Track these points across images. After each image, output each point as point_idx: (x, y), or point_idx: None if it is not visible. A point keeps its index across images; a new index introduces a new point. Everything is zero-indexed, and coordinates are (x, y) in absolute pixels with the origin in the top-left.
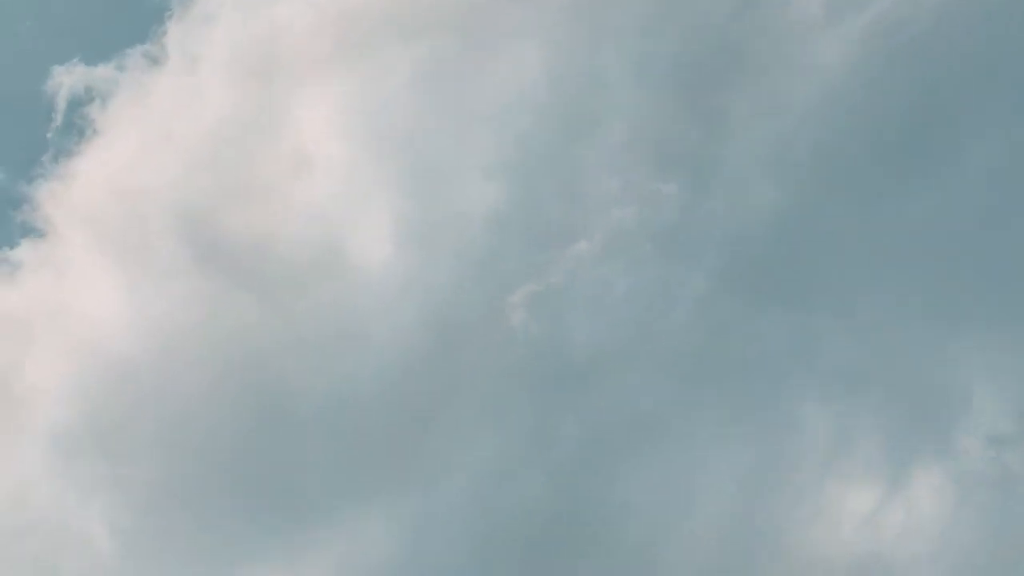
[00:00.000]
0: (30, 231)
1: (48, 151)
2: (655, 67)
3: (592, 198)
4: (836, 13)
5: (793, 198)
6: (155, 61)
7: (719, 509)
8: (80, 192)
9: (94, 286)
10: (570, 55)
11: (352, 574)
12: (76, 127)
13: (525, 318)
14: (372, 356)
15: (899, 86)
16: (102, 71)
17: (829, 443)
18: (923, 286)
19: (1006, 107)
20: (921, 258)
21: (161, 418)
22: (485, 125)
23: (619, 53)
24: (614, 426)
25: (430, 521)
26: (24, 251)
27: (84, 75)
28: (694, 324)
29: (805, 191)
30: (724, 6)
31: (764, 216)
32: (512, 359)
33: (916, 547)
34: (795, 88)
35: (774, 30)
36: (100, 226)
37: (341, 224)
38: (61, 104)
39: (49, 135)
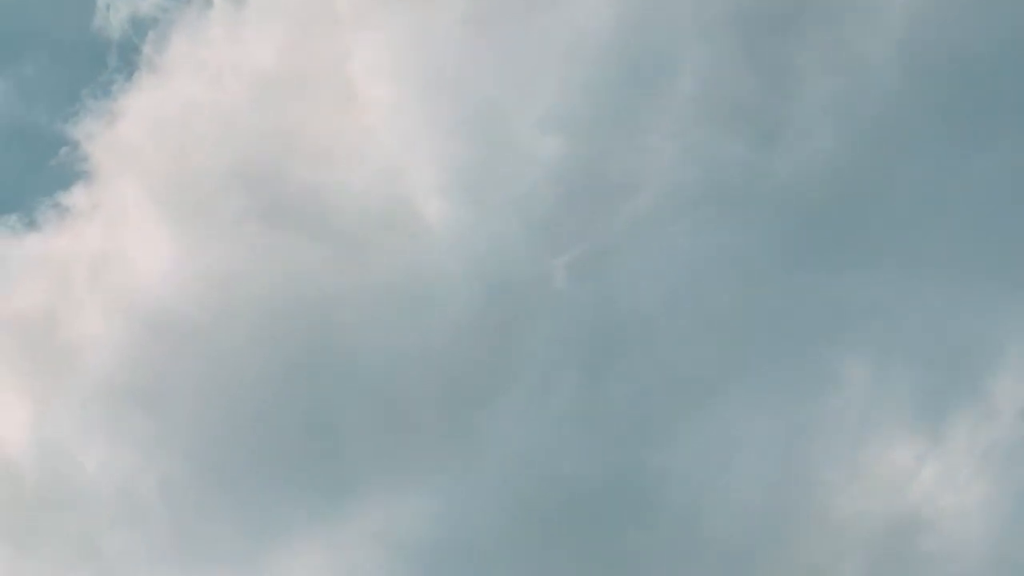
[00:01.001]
0: (77, 175)
1: (96, 91)
2: (724, 19)
3: (653, 154)
4: None
5: (859, 155)
6: None
7: (761, 471)
8: (129, 134)
9: (143, 233)
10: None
11: (395, 544)
12: (125, 66)
13: (578, 277)
14: (420, 311)
15: (972, 38)
16: (151, 7)
17: (871, 403)
18: (985, 248)
19: None
20: (985, 218)
21: (208, 373)
22: (546, 73)
23: (689, 3)
24: (664, 389)
25: (472, 489)
26: (71, 196)
27: (133, 11)
28: (750, 287)
29: (871, 148)
30: None
31: (829, 174)
32: (563, 319)
33: (953, 505)
34: (865, 41)
35: None
36: (149, 170)
37: (393, 172)
38: (109, 42)
39: (97, 75)
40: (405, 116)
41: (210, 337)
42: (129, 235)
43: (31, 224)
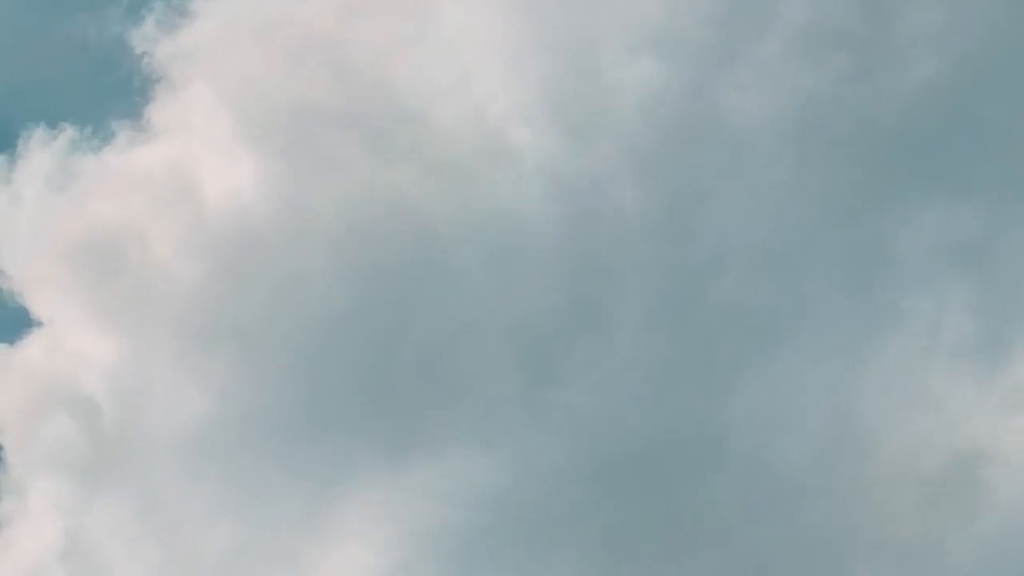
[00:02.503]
0: (153, 88)
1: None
2: None
3: (748, 85)
4: None
5: (958, 88)
6: None
7: (826, 411)
8: (208, 46)
9: (220, 149)
10: None
11: (459, 499)
12: None
13: (665, 213)
14: (504, 245)
15: None
16: None
17: (938, 339)
18: None
19: None
20: None
21: (284, 303)
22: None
23: None
24: (736, 332)
25: (539, 443)
26: (146, 109)
27: None
28: (836, 224)
29: (970, 81)
30: None
31: (927, 107)
32: (644, 258)
33: (1017, 438)
34: None
35: None
36: (228, 84)
37: (483, 100)
38: None
39: None
40: (496, 43)
41: (288, 265)
42: (206, 151)
43: (105, 139)
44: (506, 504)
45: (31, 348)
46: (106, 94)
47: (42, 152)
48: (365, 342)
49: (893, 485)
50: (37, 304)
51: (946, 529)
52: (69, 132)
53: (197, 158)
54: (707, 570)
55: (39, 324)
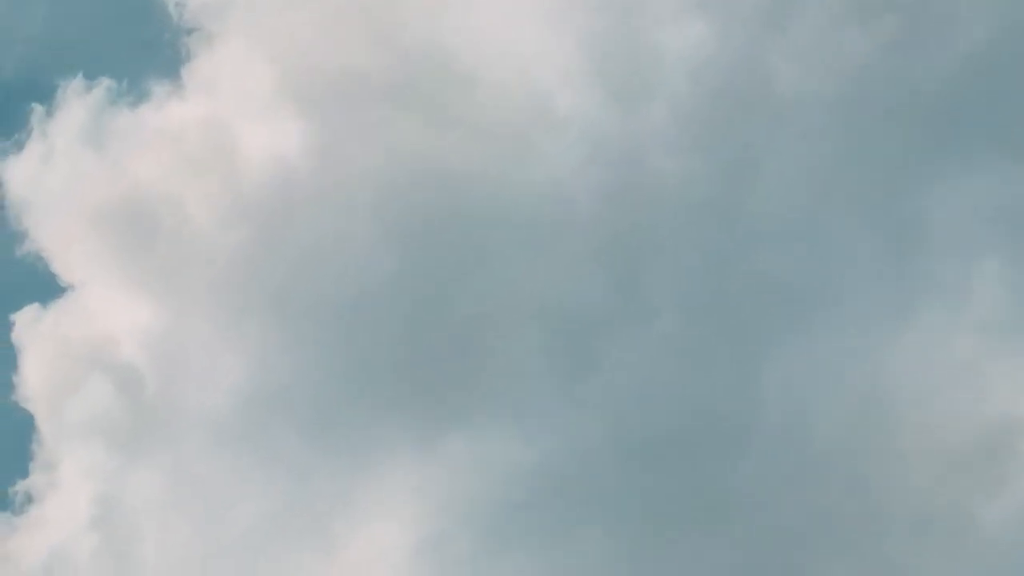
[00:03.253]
0: (192, 44)
1: None
2: None
3: (795, 51)
4: None
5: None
6: None
7: (864, 381)
8: (251, 1)
9: (263, 109)
10: None
11: (490, 473)
12: None
13: (708, 185)
14: (545, 210)
15: None
16: None
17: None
18: None
19: None
20: None
21: (326, 266)
22: None
23: None
24: (778, 299)
25: (567, 421)
26: (188, 65)
27: None
28: (877, 190)
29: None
30: None
31: (973, 73)
32: (688, 228)
33: None
34: None
35: None
36: (268, 39)
37: (528, 61)
38: None
39: None
40: (543, 6)
41: (327, 231)
42: (245, 110)
43: (142, 95)
44: (537, 479)
45: (62, 313)
46: (144, 49)
47: (79, 105)
48: (401, 313)
49: (926, 455)
50: (68, 267)
51: (977, 499)
52: (107, 85)
53: (235, 117)
54: (735, 544)
55: (70, 288)
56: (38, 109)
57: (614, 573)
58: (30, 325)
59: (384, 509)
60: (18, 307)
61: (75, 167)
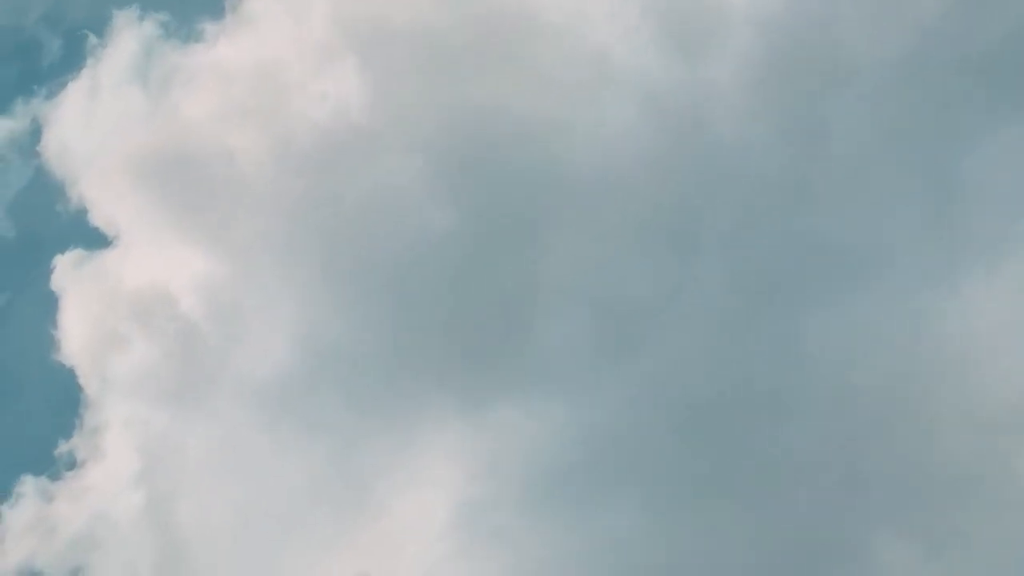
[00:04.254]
0: None
1: None
2: None
3: (858, 15)
4: None
5: None
6: None
7: (907, 348)
8: None
9: (319, 51)
10: None
11: (535, 440)
12: None
13: (764, 144)
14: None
15: None
16: None
17: None
18: None
19: None
20: None
21: (379, 220)
22: None
23: None
24: (828, 262)
25: (612, 387)
26: (240, 5)
27: None
28: (933, 151)
29: None
30: None
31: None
32: (741, 187)
33: None
34: None
35: None
36: None
37: (589, 14)
38: None
39: None
40: None
41: (381, 182)
42: (301, 52)
43: (194, 33)
44: (582, 448)
45: (105, 265)
46: None
47: (131, 38)
48: (452, 275)
49: (969, 418)
50: (112, 216)
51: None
52: (160, 19)
53: (290, 60)
54: (777, 511)
55: (114, 238)
56: (92, 38)
57: (656, 540)
58: (72, 280)
59: (429, 475)
60: (60, 261)
61: (123, 107)
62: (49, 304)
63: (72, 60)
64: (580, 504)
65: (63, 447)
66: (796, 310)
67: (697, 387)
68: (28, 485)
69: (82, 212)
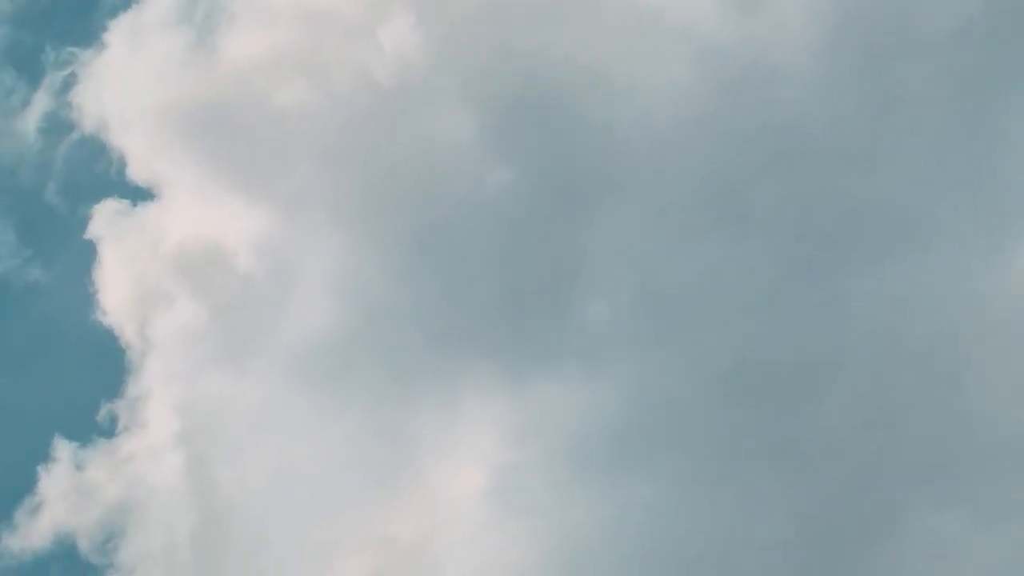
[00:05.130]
0: None
1: None
2: None
3: None
4: None
5: None
6: None
7: (953, 312)
8: None
9: None
10: None
11: (577, 412)
12: None
13: (814, 103)
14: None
15: None
16: None
17: None
18: None
19: None
20: None
21: (426, 175)
22: None
23: None
24: (875, 223)
25: (655, 357)
26: None
27: None
28: (981, 109)
29: None
30: None
31: None
32: (787, 145)
33: None
34: None
35: None
36: None
37: None
38: None
39: None
40: None
41: (430, 132)
42: None
43: None
44: (623, 421)
45: (146, 218)
46: None
47: None
48: (500, 238)
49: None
50: (154, 167)
51: None
52: None
53: (344, 7)
54: (821, 480)
55: (157, 190)
56: None
57: (695, 509)
58: (112, 235)
59: (469, 443)
60: (98, 214)
61: (166, 53)
62: (87, 260)
63: (113, 3)
64: (620, 474)
65: (102, 409)
66: (841, 277)
67: (740, 358)
68: (64, 449)
69: (122, 163)
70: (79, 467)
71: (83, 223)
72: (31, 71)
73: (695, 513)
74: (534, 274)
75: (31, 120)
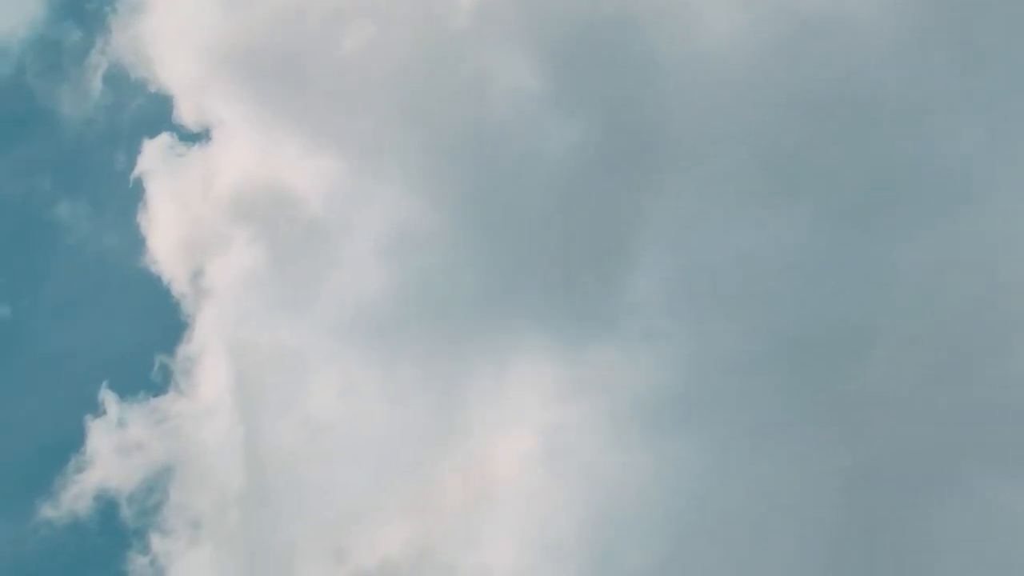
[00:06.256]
0: None
1: None
2: None
3: None
4: None
5: None
6: None
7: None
8: None
9: None
10: None
11: (631, 383)
12: None
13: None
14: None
15: None
16: None
17: None
18: None
19: None
20: None
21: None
22: None
23: None
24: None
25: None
26: None
27: None
28: None
29: None
30: None
31: None
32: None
33: None
34: None
35: None
36: None
37: None
38: None
39: None
40: None
41: (487, 77)
42: None
43: None
44: (673, 383)
45: (196, 162)
46: None
47: None
48: (560, 197)
49: None
50: (206, 107)
51: None
52: None
53: None
54: (868, 448)
55: (209, 131)
56: None
57: (746, 472)
58: (162, 178)
59: (519, 407)
60: (148, 155)
61: None
62: (136, 205)
63: None
64: (667, 437)
65: (153, 361)
66: (891, 239)
67: (791, 322)
68: (111, 404)
69: (171, 102)
70: (125, 422)
71: (132, 165)
72: (85, 12)
73: (743, 474)
74: (590, 238)
75: (84, 61)
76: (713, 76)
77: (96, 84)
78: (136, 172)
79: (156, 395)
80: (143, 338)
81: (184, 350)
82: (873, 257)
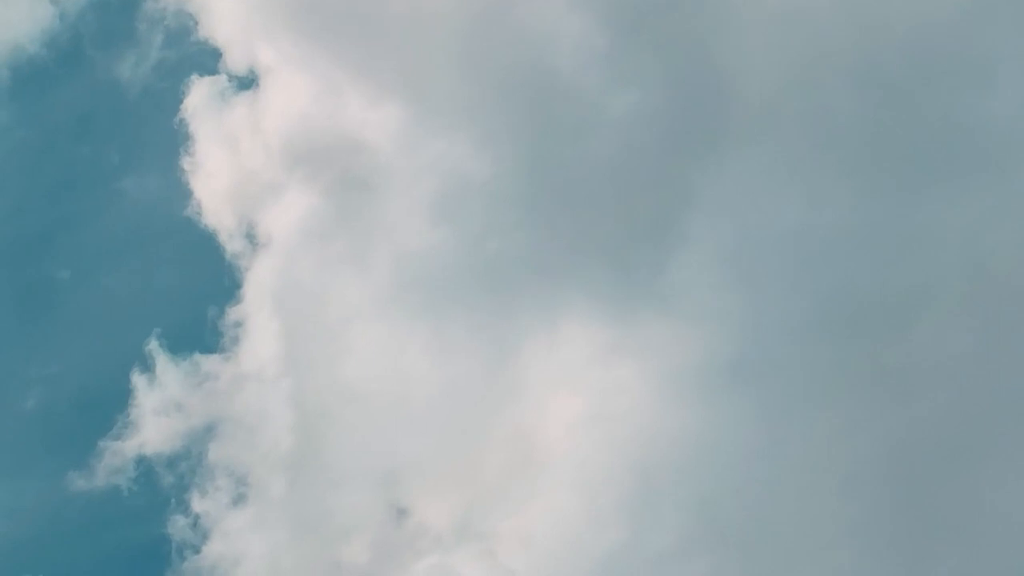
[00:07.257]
0: None
1: None
2: None
3: None
4: None
5: None
6: None
7: None
8: None
9: None
10: None
11: (680, 353)
12: None
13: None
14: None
15: None
16: None
17: None
18: None
19: None
20: None
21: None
22: None
23: None
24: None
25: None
26: None
27: None
28: None
29: None
30: None
31: None
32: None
33: None
34: None
35: None
36: None
37: None
38: None
39: None
40: None
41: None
42: None
43: None
44: (722, 349)
45: (246, 110)
46: None
47: None
48: (617, 168)
49: None
50: (255, 52)
51: None
52: None
53: None
54: (915, 416)
55: (259, 77)
56: None
57: (793, 438)
58: (210, 126)
59: (567, 369)
60: (194, 102)
61: None
62: (182, 152)
63: None
64: (716, 402)
65: (202, 315)
66: (937, 205)
67: (838, 289)
68: (159, 360)
69: (219, 48)
70: (172, 380)
71: (178, 107)
72: None
73: (792, 440)
74: (645, 202)
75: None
76: (779, 46)
77: (137, 21)
78: (181, 114)
79: (205, 352)
80: (191, 288)
81: (234, 309)
82: (922, 225)
